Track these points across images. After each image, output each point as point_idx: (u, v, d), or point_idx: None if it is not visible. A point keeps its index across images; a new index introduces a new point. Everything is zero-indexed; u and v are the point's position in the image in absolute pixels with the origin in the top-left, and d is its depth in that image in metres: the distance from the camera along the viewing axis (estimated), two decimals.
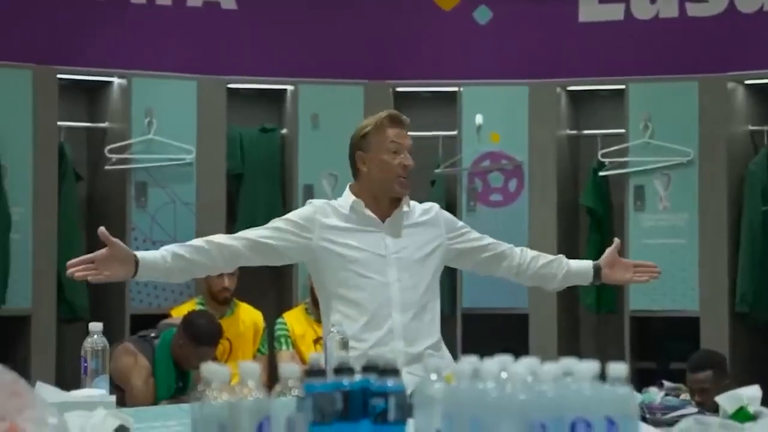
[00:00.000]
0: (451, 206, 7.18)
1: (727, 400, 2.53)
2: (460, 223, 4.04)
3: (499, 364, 2.15)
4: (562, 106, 7.15)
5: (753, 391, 2.49)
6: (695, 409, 3.28)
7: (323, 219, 3.86)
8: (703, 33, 7.03)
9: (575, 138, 7.29)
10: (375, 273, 3.81)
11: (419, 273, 3.85)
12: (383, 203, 3.91)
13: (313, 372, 2.15)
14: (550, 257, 4.03)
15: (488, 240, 4.02)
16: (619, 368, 2.08)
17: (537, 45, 7.27)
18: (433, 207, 4.00)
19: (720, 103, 6.76)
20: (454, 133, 7.13)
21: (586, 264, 4.06)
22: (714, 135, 6.75)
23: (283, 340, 6.65)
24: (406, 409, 2.22)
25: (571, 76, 7.14)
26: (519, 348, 6.23)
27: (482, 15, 7.38)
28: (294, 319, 6.72)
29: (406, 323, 3.78)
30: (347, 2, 7.37)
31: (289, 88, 7.19)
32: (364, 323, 3.75)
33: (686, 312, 6.76)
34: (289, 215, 3.95)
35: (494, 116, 7.07)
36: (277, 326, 6.71)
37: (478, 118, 7.06)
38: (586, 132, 7.25)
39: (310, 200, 4.01)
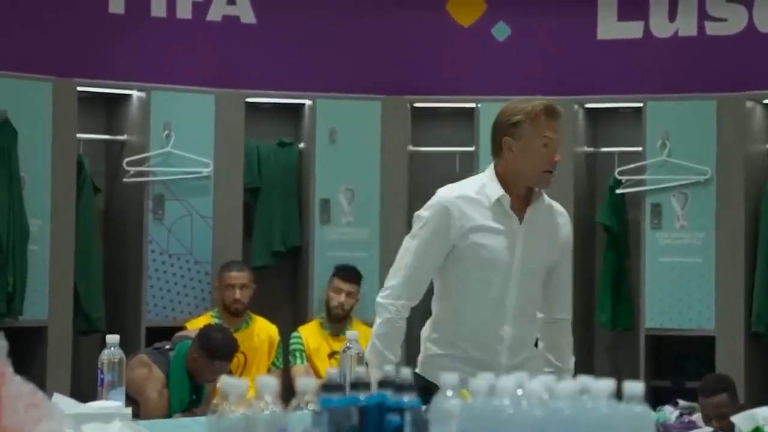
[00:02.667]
0: None
1: (743, 420, 2.53)
2: (570, 247, 3.98)
3: (515, 381, 2.15)
4: (580, 123, 7.14)
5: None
6: (710, 428, 3.27)
7: (461, 223, 3.77)
8: (722, 52, 7.02)
9: (592, 155, 7.29)
10: (499, 277, 3.77)
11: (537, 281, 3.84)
12: (520, 192, 3.82)
13: (330, 386, 2.15)
14: (559, 354, 3.86)
15: (565, 284, 3.94)
16: (635, 387, 2.08)
17: (555, 62, 7.27)
18: (566, 215, 3.95)
19: (738, 122, 6.75)
20: (472, 149, 7.13)
21: None
22: (732, 154, 6.74)
23: (297, 354, 6.65)
24: (422, 425, 2.22)
25: (589, 93, 7.13)
26: None
27: (501, 32, 7.39)
28: (309, 333, 6.72)
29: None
30: (366, 17, 7.38)
31: (307, 102, 7.20)
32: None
33: (702, 331, 6.74)
34: (427, 228, 3.79)
35: None
36: (292, 340, 6.71)
37: None
38: (603, 149, 7.25)
39: (440, 197, 3.81)
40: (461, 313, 3.80)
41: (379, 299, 3.82)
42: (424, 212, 3.84)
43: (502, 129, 3.79)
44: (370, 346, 3.71)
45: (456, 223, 3.75)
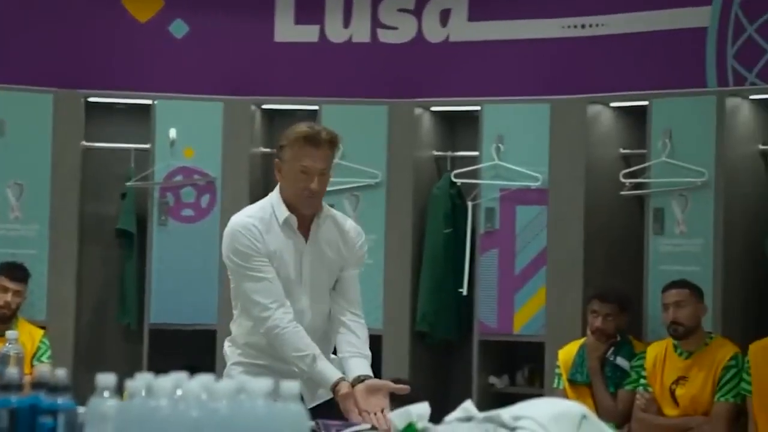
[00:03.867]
0: (141, 220, 7.12)
1: (398, 417, 2.62)
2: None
3: (173, 381, 2.14)
4: (257, 123, 7.20)
5: (421, 408, 2.59)
6: (368, 426, 3.37)
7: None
8: (394, 59, 7.24)
9: (269, 156, 7.35)
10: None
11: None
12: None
13: None
14: (353, 342, 3.90)
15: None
16: (290, 386, 2.12)
17: (233, 62, 7.29)
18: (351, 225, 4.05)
19: (406, 129, 6.98)
20: (148, 146, 7.07)
21: (354, 373, 3.79)
22: (400, 158, 6.96)
23: None
24: (76, 427, 2.18)
25: (266, 94, 7.20)
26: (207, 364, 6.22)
27: (178, 29, 7.34)
28: None
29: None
30: (40, 8, 7.17)
31: None
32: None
33: (370, 330, 6.92)
34: (248, 256, 3.83)
35: (189, 130, 7.04)
36: None
37: (172, 132, 7.01)
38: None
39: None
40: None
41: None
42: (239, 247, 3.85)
43: (276, 151, 3.97)
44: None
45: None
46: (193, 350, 6.85)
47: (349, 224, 4.02)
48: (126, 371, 2.36)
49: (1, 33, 7.12)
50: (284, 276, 3.85)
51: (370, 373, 3.79)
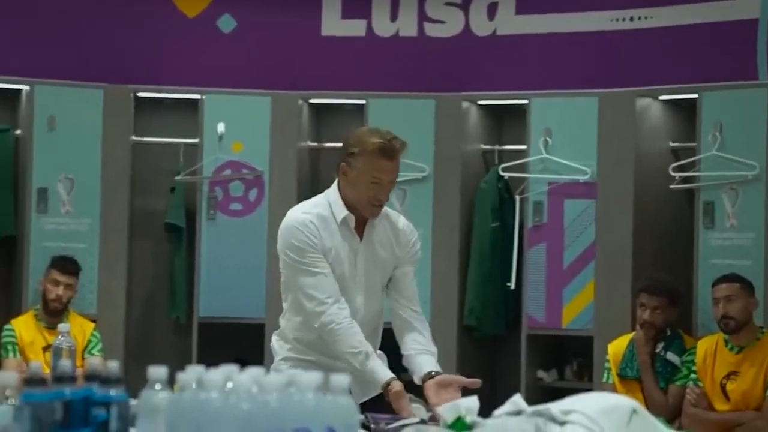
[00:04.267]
0: (190, 214, 7.15)
1: (447, 411, 2.61)
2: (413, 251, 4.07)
3: (224, 374, 2.15)
4: (304, 117, 7.21)
5: (470, 402, 2.59)
6: (417, 419, 3.37)
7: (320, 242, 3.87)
8: (441, 52, 7.23)
9: (316, 150, 7.36)
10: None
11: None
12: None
13: (32, 380, 2.10)
14: (419, 340, 3.91)
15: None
16: (340, 379, 2.12)
17: (280, 56, 7.30)
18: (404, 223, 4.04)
19: (454, 122, 6.97)
20: (196, 141, 7.10)
21: (424, 370, 3.82)
22: (448, 152, 6.95)
23: (9, 347, 6.46)
24: (129, 419, 2.19)
25: (313, 88, 7.21)
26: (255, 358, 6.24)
27: (226, 24, 7.37)
28: (23, 326, 6.53)
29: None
30: (89, 4, 7.23)
31: (25, 88, 6.99)
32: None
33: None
34: (304, 252, 3.84)
35: (237, 125, 7.07)
36: (4, 333, 6.51)
37: (220, 127, 7.04)
38: (327, 145, 7.32)
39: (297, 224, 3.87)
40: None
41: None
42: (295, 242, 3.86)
43: (342, 154, 3.91)
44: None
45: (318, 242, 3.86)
46: (242, 344, 6.89)
47: (402, 222, 4.02)
48: (175, 365, 2.38)
49: (51, 29, 7.17)
50: (339, 274, 3.86)
51: (439, 369, 3.81)
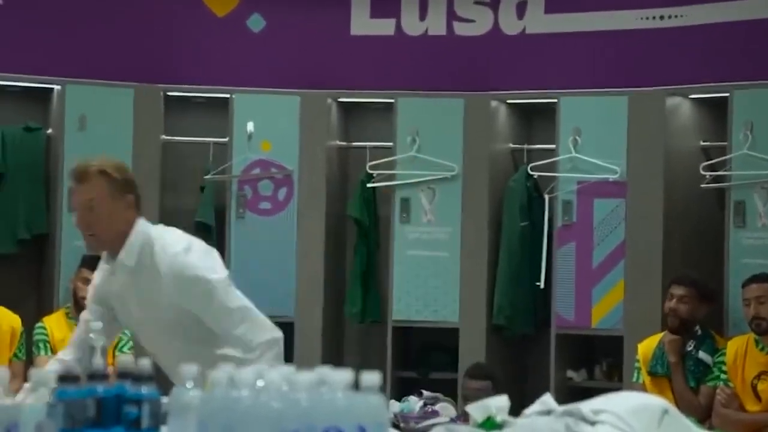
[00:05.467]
0: (220, 212, 7.17)
1: (476, 410, 2.61)
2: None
3: (254, 372, 2.16)
4: (333, 117, 7.23)
5: (500, 401, 2.58)
6: (446, 419, 3.37)
7: None
8: (470, 51, 7.22)
9: (345, 149, 7.37)
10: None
11: None
12: None
13: (66, 378, 2.12)
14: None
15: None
16: (371, 378, 2.13)
17: (309, 55, 7.31)
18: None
19: (482, 121, 6.96)
20: (226, 139, 7.12)
21: None
22: (477, 151, 6.94)
23: (41, 345, 6.48)
24: (160, 417, 2.21)
25: (342, 87, 7.22)
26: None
27: (256, 23, 7.39)
28: (54, 324, 6.56)
29: None
30: (119, 3, 7.25)
31: (56, 87, 7.03)
32: None
33: (447, 323, 6.92)
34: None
35: (266, 124, 7.09)
36: (36, 331, 6.54)
37: (250, 126, 7.06)
38: (355, 144, 7.34)
39: None
40: None
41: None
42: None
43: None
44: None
45: None
46: None
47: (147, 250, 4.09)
48: None
49: (81, 29, 7.21)
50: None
51: None
